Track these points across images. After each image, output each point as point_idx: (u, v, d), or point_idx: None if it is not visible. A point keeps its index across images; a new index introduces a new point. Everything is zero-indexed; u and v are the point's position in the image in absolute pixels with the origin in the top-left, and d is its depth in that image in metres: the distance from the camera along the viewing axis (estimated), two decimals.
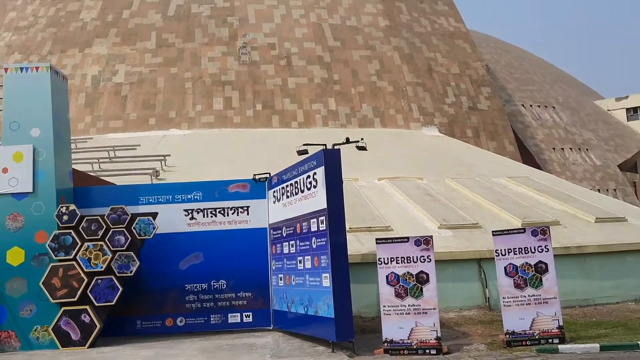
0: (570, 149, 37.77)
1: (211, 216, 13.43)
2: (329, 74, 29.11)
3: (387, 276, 10.78)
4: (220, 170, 19.62)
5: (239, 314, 13.10)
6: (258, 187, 13.69)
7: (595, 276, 15.86)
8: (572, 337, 10.91)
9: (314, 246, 11.24)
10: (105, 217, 12.17)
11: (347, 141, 11.44)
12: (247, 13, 30.48)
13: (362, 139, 11.78)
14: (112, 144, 23.26)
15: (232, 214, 13.48)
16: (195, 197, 13.49)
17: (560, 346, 10.27)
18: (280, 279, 12.80)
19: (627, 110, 44.93)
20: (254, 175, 13.74)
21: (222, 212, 13.45)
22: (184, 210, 13.40)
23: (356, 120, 28.16)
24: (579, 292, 15.36)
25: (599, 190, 33.20)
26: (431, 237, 11.04)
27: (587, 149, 38.50)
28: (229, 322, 13.04)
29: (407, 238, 11.02)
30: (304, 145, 11.98)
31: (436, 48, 32.09)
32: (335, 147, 11.19)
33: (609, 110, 45.57)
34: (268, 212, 13.55)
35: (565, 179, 30.33)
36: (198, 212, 13.42)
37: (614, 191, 35.99)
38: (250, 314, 13.12)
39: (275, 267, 13.14)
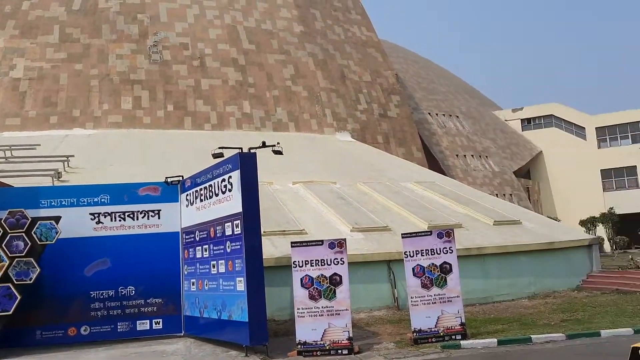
0: (472, 155, 40.06)
1: (120, 220, 12.93)
2: (243, 77, 28.94)
3: (301, 279, 10.93)
4: (130, 173, 18.91)
5: (148, 321, 12.70)
6: (170, 190, 13.37)
7: (494, 275, 17.00)
8: (473, 333, 11.62)
9: (229, 250, 11.16)
10: (2, 221, 11.37)
11: (264, 145, 11.48)
12: (158, 11, 29.59)
13: (278, 143, 11.87)
14: (8, 143, 21.66)
15: (142, 217, 13.06)
16: (103, 200, 12.93)
17: (462, 342, 10.92)
18: (193, 284, 12.57)
19: (522, 120, 48.39)
20: (166, 178, 13.40)
21: (132, 215, 12.99)
22: (90, 214, 12.81)
23: (271, 123, 28.19)
24: (479, 291, 16.39)
25: (496, 195, 35.47)
26: (344, 240, 11.34)
27: (486, 156, 41.01)
28: (138, 329, 12.60)
29: (322, 241, 11.24)
30: (220, 148, 11.88)
31: (349, 56, 32.87)
32: (252, 150, 11.19)
33: (505, 120, 48.84)
34: (180, 215, 13.27)
35: (467, 184, 32.17)
36: (105, 216, 12.87)
37: (510, 196, 38.62)
38: (161, 320, 12.77)
39: (187, 271, 12.88)
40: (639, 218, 42.11)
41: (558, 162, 45.53)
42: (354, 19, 35.33)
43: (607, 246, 37.18)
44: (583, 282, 18.71)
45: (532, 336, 11.01)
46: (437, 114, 41.65)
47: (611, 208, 39.36)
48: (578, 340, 10.82)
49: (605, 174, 44.57)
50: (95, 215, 12.81)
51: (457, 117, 43.36)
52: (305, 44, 31.35)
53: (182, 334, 12.69)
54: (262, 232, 11.16)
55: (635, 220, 41.87)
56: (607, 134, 45.58)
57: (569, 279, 18.59)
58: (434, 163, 35.44)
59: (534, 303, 15.90)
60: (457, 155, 39.04)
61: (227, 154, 11.67)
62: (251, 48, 29.93)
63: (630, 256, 24.26)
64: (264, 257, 11.13)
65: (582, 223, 37.77)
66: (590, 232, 34.07)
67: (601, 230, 37.77)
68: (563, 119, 47.03)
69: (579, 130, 46.37)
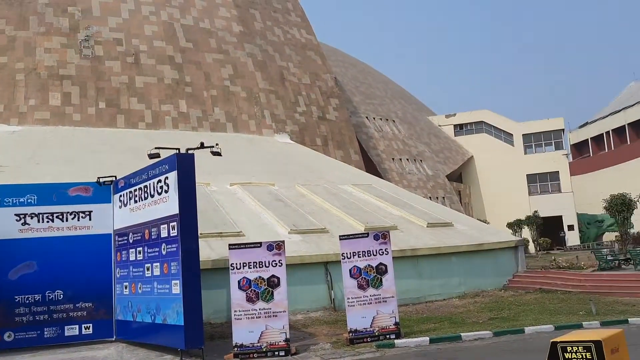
0: (407, 159, 41.11)
1: (47, 221, 12.37)
2: (180, 75, 28.36)
3: (239, 281, 10.86)
4: (59, 172, 18.10)
5: (77, 326, 12.21)
6: (102, 190, 12.93)
7: (426, 276, 17.53)
8: (407, 332, 11.95)
9: (164, 252, 10.93)
10: None
11: (202, 146, 11.33)
12: (90, 4, 28.49)
13: (217, 144, 11.75)
14: None
15: (72, 219, 12.55)
16: (29, 200, 12.32)
17: (396, 341, 11.20)
18: (126, 287, 12.21)
19: (455, 126, 50.17)
20: (98, 178, 12.95)
21: (61, 217, 12.46)
22: (15, 215, 12.17)
23: (208, 124, 27.79)
24: (413, 291, 16.85)
25: (430, 198, 36.58)
26: (283, 242, 11.38)
27: (421, 160, 42.21)
28: (66, 335, 12.09)
29: (260, 243, 11.22)
30: (156, 148, 11.60)
31: (289, 58, 32.94)
32: (190, 151, 11.02)
33: (439, 125, 50.48)
34: (113, 217, 12.86)
35: (403, 187, 33.00)
36: (32, 217, 12.27)
37: (443, 199, 39.93)
38: (91, 325, 12.31)
39: (120, 274, 12.49)
40: (561, 221, 44.68)
41: (488, 166, 47.52)
42: (294, 21, 35.45)
43: (531, 247, 39.12)
44: (509, 282, 19.62)
45: (461, 334, 11.45)
46: (374, 118, 42.45)
47: (536, 211, 41.46)
48: (504, 337, 11.36)
49: (531, 178, 46.93)
50: (21, 216, 12.20)
51: (394, 121, 44.37)
52: (245, 44, 31.14)
53: (113, 339, 12.29)
54: (198, 234, 11.00)
55: (557, 223, 44.36)
56: (533, 141, 48.01)
57: (496, 278, 19.45)
58: (371, 166, 36.10)
59: (463, 302, 16.52)
60: (393, 158, 39.94)
61: (164, 154, 11.43)
62: (188, 46, 29.39)
63: (552, 257, 25.70)
64: (200, 259, 10.99)
65: (509, 225, 39.57)
66: (517, 234, 35.75)
67: (526, 232, 39.70)
68: (493, 126, 49.13)
69: (507, 137, 48.59)
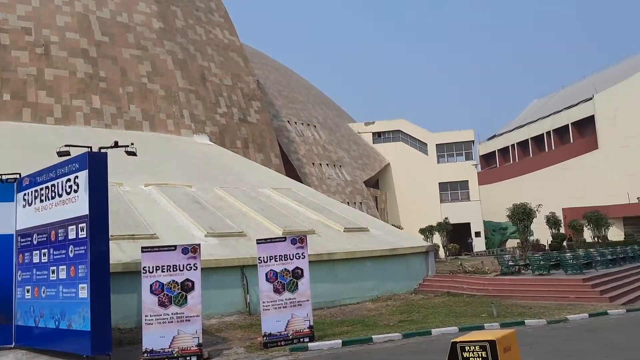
0: (327, 164, 41.72)
1: None
2: (94, 70, 27.15)
3: (151, 285, 10.58)
4: None
5: None
6: (5, 188, 12.15)
7: (342, 280, 17.89)
8: (321, 335, 12.16)
9: (72, 255, 10.44)
10: None
11: (116, 145, 10.93)
12: None
13: (132, 143, 11.38)
14: None
15: None
16: None
17: (310, 344, 11.37)
18: (28, 291, 11.53)
19: (373, 134, 51.54)
20: (0, 174, 12.15)
21: None
22: None
23: (123, 121, 26.79)
24: (328, 295, 17.14)
25: (348, 203, 37.32)
26: (199, 245, 11.21)
27: (340, 166, 42.98)
28: None
29: (175, 246, 11.00)
30: (66, 146, 11.06)
31: (210, 58, 32.47)
32: (102, 150, 10.61)
33: (359, 132, 51.65)
34: (16, 216, 12.11)
35: (322, 192, 33.45)
36: None
37: (360, 204, 40.86)
38: None
39: (21, 278, 11.78)
40: (469, 227, 47.06)
41: (403, 174, 49.19)
42: (217, 21, 35.01)
43: (442, 252, 40.87)
44: (420, 286, 20.44)
45: (373, 336, 11.81)
46: (295, 123, 42.72)
47: (446, 218, 43.38)
48: (412, 338, 11.84)
49: (443, 186, 49.08)
50: None
51: (315, 126, 44.89)
52: (165, 41, 30.35)
53: (12, 346, 11.55)
54: (109, 236, 10.61)
55: (466, 229, 46.69)
56: (445, 151, 50.28)
57: (408, 282, 20.20)
58: (291, 170, 36.29)
59: (376, 305, 17.02)
60: (313, 163, 40.38)
61: (74, 152, 10.93)
62: (104, 40, 28.22)
63: (459, 262, 27.03)
64: (110, 262, 10.60)
65: (422, 231, 41.12)
66: (428, 240, 37.22)
67: (437, 238, 41.43)
68: (409, 135, 50.95)
69: (422, 146, 50.56)
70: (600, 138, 55.39)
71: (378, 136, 51.65)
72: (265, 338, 11.37)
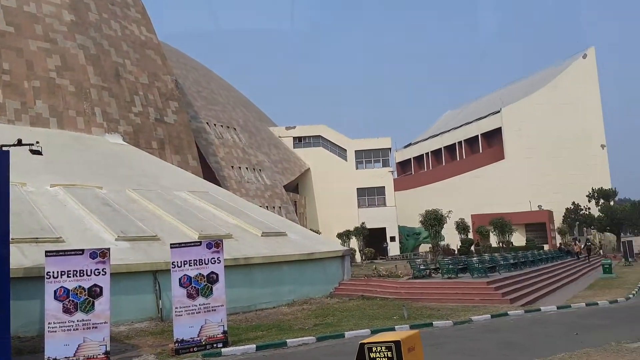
0: (247, 168, 41.42)
1: None
2: None
3: (55, 291, 10.03)
4: None
5: None
6: None
7: (258, 284, 17.82)
8: (235, 340, 12.04)
9: None
10: None
11: (19, 143, 10.29)
12: None
13: (37, 142, 10.76)
14: None
15: None
16: None
17: (223, 350, 11.23)
18: None
19: (294, 138, 51.83)
20: None
21: None
22: None
23: (28, 117, 25.19)
24: (244, 299, 17.01)
25: (267, 207, 37.25)
26: (108, 249, 10.77)
27: (260, 170, 42.81)
28: None
29: (82, 250, 10.50)
30: None
31: (126, 54, 31.29)
32: (4, 148, 9.95)
33: (279, 137, 51.74)
34: None
35: (241, 196, 33.15)
36: None
37: (279, 208, 40.90)
38: None
39: None
40: (385, 232, 48.43)
41: (323, 179, 49.81)
42: (133, 16, 33.82)
43: (358, 257, 41.76)
44: (335, 289, 20.76)
45: (287, 340, 11.86)
46: (215, 125, 42.09)
47: (363, 223, 44.40)
48: (326, 342, 12.01)
49: (360, 192, 50.20)
50: None
51: (235, 129, 44.44)
52: (76, 34, 28.89)
53: None
54: (9, 239, 9.96)
55: (381, 234, 48.00)
56: (364, 157, 51.47)
57: (324, 286, 20.47)
58: (209, 173, 35.68)
59: (292, 309, 17.10)
60: (232, 166, 39.94)
61: None
62: (9, 30, 26.43)
63: (374, 266, 27.72)
64: (11, 267, 9.93)
65: (339, 235, 41.83)
66: (345, 244, 37.92)
67: (354, 243, 42.31)
68: (329, 140, 51.69)
69: (341, 152, 51.45)
70: (506, 149, 58.96)
71: (299, 141, 51.99)
72: (177, 344, 11.10)
